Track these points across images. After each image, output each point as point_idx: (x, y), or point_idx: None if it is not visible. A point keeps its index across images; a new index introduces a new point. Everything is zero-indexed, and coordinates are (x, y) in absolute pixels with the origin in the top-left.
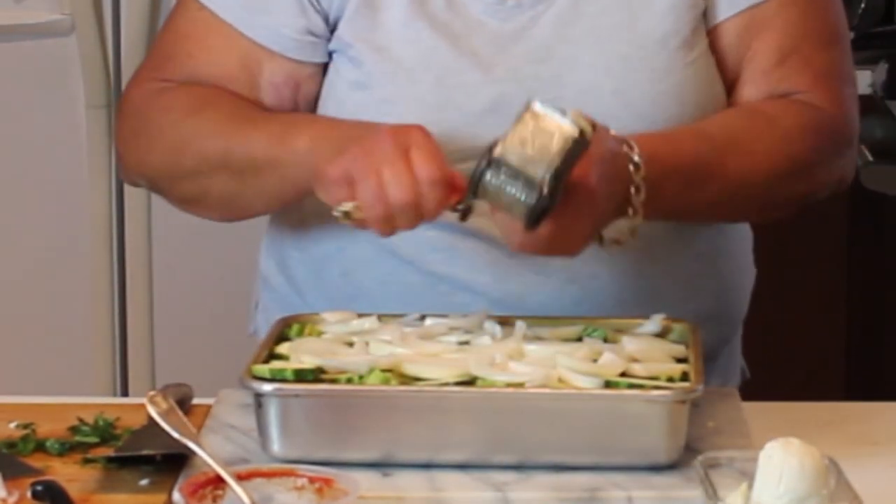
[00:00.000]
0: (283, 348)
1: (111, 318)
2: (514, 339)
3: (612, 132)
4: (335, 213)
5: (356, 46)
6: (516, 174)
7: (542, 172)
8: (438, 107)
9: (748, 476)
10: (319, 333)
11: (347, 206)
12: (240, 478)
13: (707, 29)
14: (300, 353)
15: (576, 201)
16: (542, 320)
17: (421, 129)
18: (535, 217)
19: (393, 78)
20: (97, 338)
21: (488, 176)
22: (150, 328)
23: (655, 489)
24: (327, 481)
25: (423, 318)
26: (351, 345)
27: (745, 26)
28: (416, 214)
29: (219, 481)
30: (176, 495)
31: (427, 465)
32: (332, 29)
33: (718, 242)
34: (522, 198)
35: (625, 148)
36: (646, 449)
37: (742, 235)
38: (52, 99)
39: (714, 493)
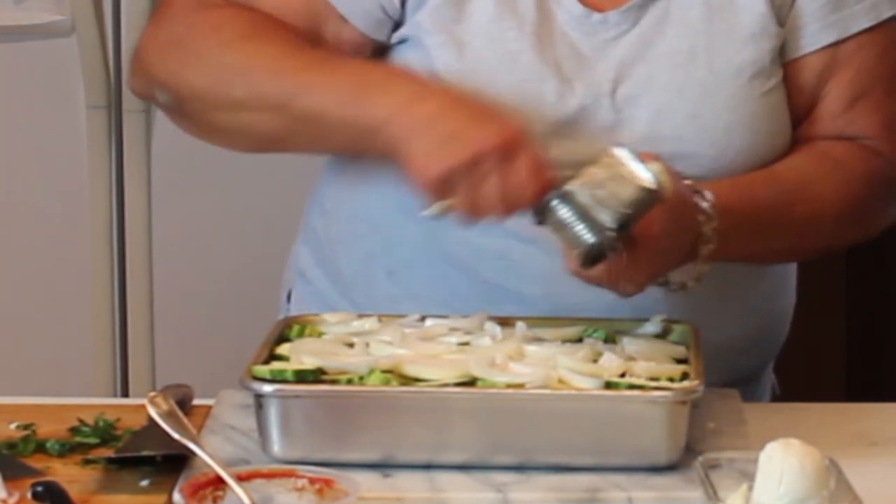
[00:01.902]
0: (283, 349)
1: (111, 318)
2: (515, 339)
3: (687, 182)
4: (428, 210)
5: (437, 37)
6: (583, 213)
7: (607, 219)
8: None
9: (748, 477)
10: (320, 334)
11: (441, 205)
12: (240, 479)
13: (784, 62)
14: (300, 354)
15: (635, 252)
16: (543, 321)
17: (524, 135)
18: (590, 259)
19: (472, 77)
20: (97, 338)
21: (555, 208)
22: (150, 328)
23: (655, 490)
24: (327, 482)
25: (423, 318)
26: (351, 345)
27: (825, 64)
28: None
29: (219, 482)
30: (176, 496)
31: (427, 466)
32: (401, 13)
33: (771, 274)
34: (583, 238)
35: (696, 198)
36: (646, 450)
37: (790, 264)
38: (52, 99)
39: (714, 494)
